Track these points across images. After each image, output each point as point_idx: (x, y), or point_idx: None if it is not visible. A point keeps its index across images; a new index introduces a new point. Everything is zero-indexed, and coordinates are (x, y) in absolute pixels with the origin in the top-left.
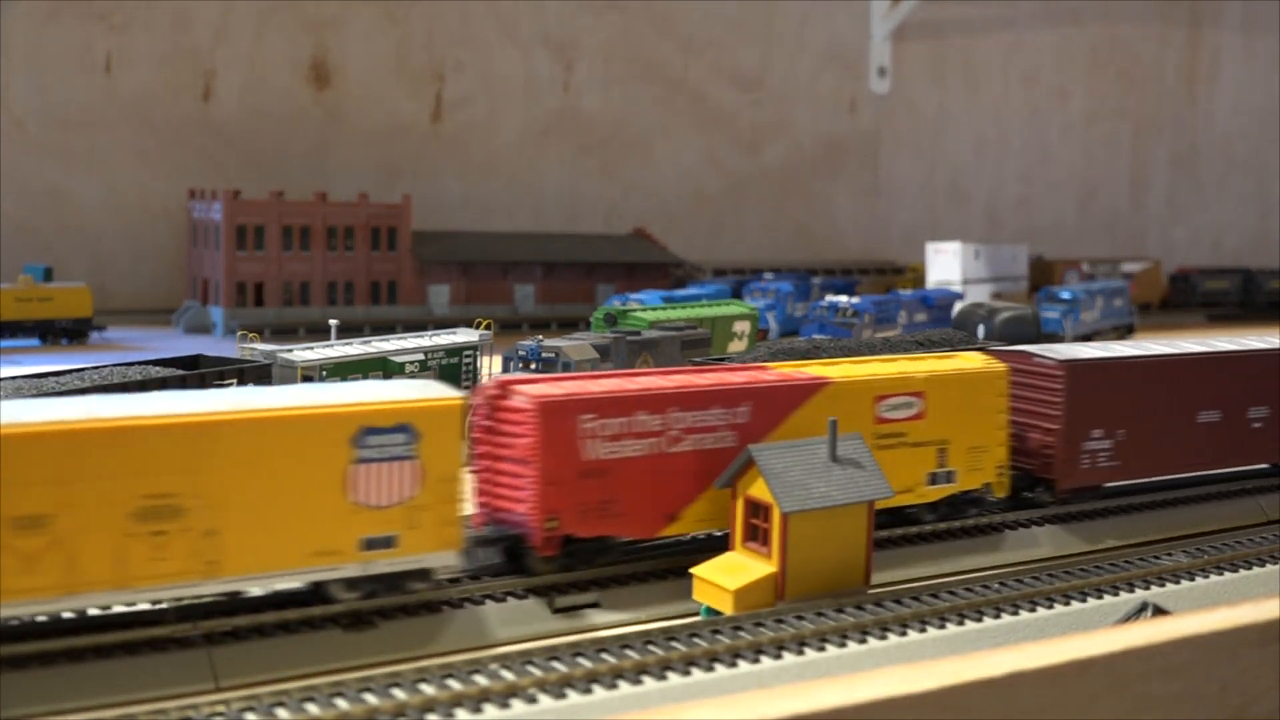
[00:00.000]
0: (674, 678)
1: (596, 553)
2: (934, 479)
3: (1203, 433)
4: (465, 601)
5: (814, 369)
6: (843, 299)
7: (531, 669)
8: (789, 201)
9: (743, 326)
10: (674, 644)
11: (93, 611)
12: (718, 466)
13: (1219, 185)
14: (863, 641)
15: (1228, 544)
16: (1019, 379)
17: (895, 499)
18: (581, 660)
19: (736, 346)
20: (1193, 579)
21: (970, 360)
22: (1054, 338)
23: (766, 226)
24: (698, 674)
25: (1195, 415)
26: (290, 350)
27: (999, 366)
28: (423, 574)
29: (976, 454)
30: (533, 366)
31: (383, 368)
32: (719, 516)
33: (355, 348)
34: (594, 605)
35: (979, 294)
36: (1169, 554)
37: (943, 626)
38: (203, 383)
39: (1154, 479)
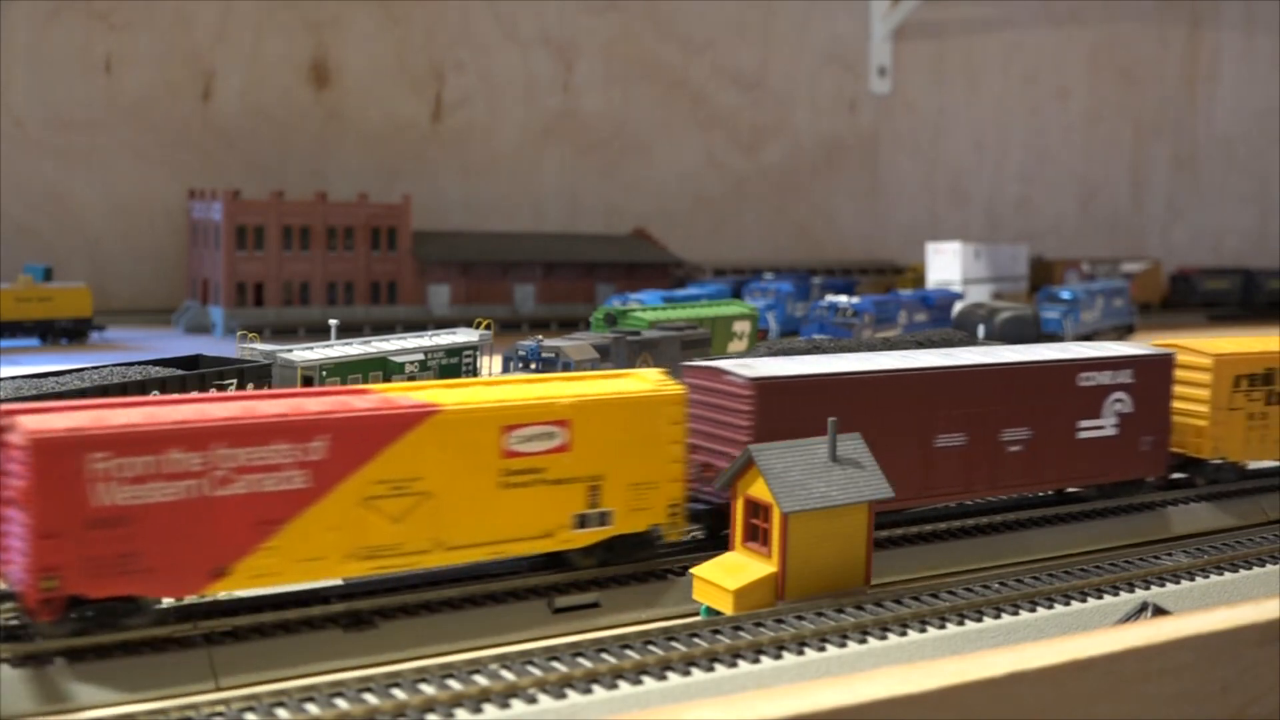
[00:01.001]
0: (674, 678)
1: (123, 614)
2: (583, 521)
3: (942, 459)
4: (465, 601)
5: (427, 393)
6: (843, 299)
7: (531, 669)
8: (789, 201)
9: (743, 326)
10: (674, 644)
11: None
12: (283, 512)
13: (1219, 185)
14: (863, 641)
15: (1228, 544)
16: (708, 399)
17: (532, 544)
18: (581, 660)
19: (736, 346)
20: (1193, 579)
21: (639, 381)
22: (1054, 338)
23: (766, 226)
24: (698, 674)
25: (932, 439)
26: (290, 350)
27: (672, 390)
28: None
29: (642, 491)
30: (533, 366)
31: (383, 368)
32: (289, 569)
33: (355, 348)
34: (594, 605)
35: (979, 294)
36: (1169, 554)
37: (943, 626)
38: (203, 383)
39: (896, 510)
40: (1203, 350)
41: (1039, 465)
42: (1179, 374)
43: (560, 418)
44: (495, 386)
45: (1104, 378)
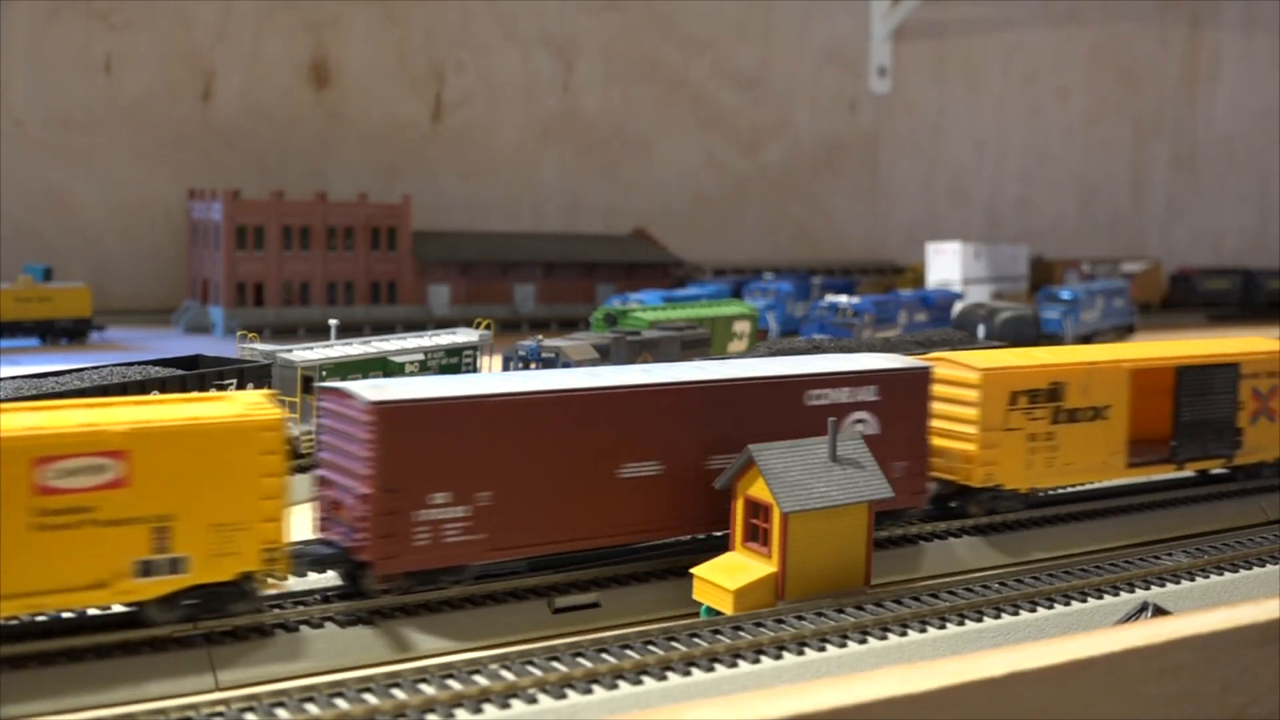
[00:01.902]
0: (674, 678)
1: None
2: (149, 569)
3: (631, 491)
4: (466, 602)
5: None
6: (843, 299)
7: (531, 669)
8: (789, 201)
9: (743, 326)
10: (674, 644)
11: (92, 611)
12: None
13: (1219, 185)
14: (863, 641)
15: (1228, 544)
16: (336, 425)
17: (83, 596)
18: (581, 660)
19: (736, 346)
20: (1193, 579)
21: (228, 404)
22: (1054, 338)
23: (766, 226)
24: (698, 674)
25: (617, 468)
26: (290, 350)
27: (265, 415)
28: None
29: (227, 534)
30: (533, 366)
31: (383, 368)
32: None
33: (355, 348)
34: (594, 605)
35: (979, 294)
36: (1169, 554)
37: (943, 626)
38: (203, 383)
39: (569, 551)
40: (969, 363)
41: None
42: (944, 390)
43: (113, 448)
44: (34, 412)
45: (840, 395)
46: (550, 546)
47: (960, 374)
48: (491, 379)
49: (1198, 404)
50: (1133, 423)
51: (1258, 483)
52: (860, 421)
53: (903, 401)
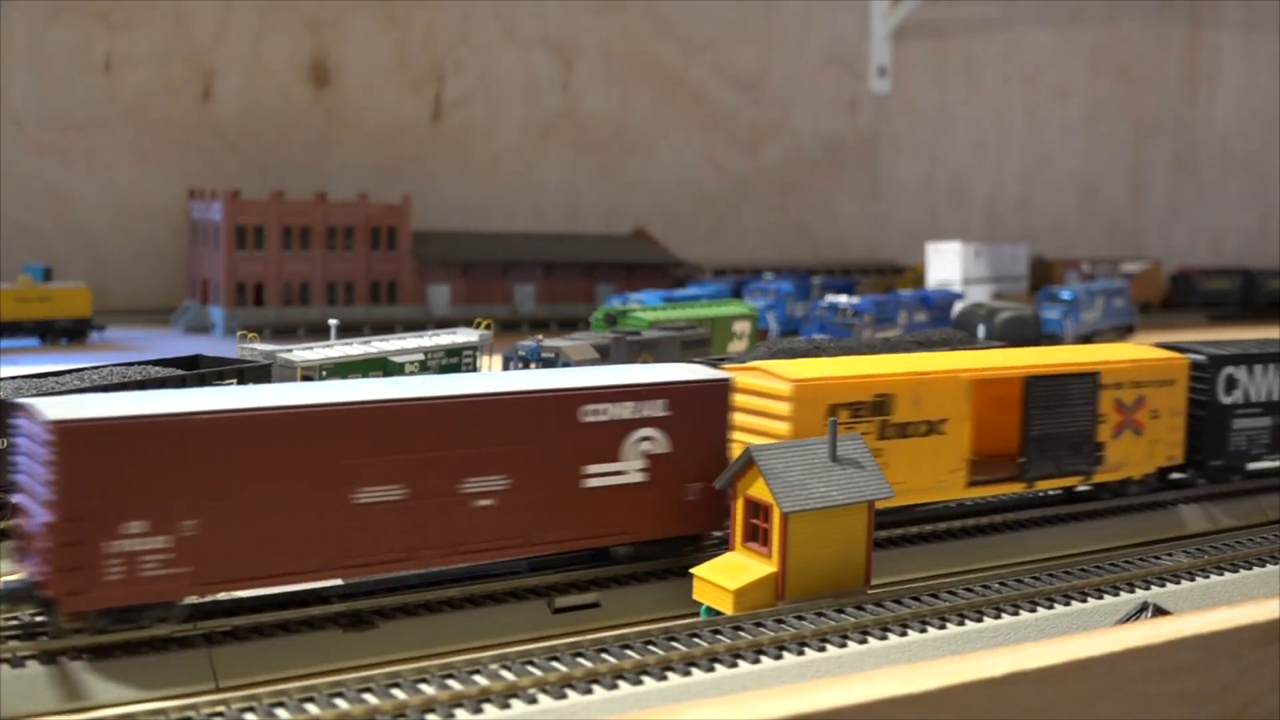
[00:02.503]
0: (674, 678)
1: None
2: None
3: (370, 519)
4: (465, 602)
5: None
6: (843, 299)
7: (531, 669)
8: (789, 201)
9: (743, 326)
10: (674, 644)
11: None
12: None
13: (1219, 185)
14: (863, 641)
15: (1228, 544)
16: (26, 445)
17: None
18: (581, 660)
19: (736, 346)
20: (1193, 579)
21: None
22: (1054, 338)
23: (766, 226)
24: (698, 674)
25: (352, 493)
26: (290, 350)
27: None
28: None
29: None
30: (532, 366)
31: (383, 368)
32: None
33: (355, 348)
34: (594, 605)
35: (979, 294)
36: (1169, 554)
37: (943, 626)
38: (202, 383)
39: (283, 589)
40: (781, 374)
41: (523, 522)
42: (754, 403)
43: None
44: None
45: (622, 410)
46: (272, 581)
47: (770, 385)
48: (219, 394)
49: (1049, 417)
50: (978, 437)
51: (1257, 483)
52: (646, 440)
53: (698, 417)
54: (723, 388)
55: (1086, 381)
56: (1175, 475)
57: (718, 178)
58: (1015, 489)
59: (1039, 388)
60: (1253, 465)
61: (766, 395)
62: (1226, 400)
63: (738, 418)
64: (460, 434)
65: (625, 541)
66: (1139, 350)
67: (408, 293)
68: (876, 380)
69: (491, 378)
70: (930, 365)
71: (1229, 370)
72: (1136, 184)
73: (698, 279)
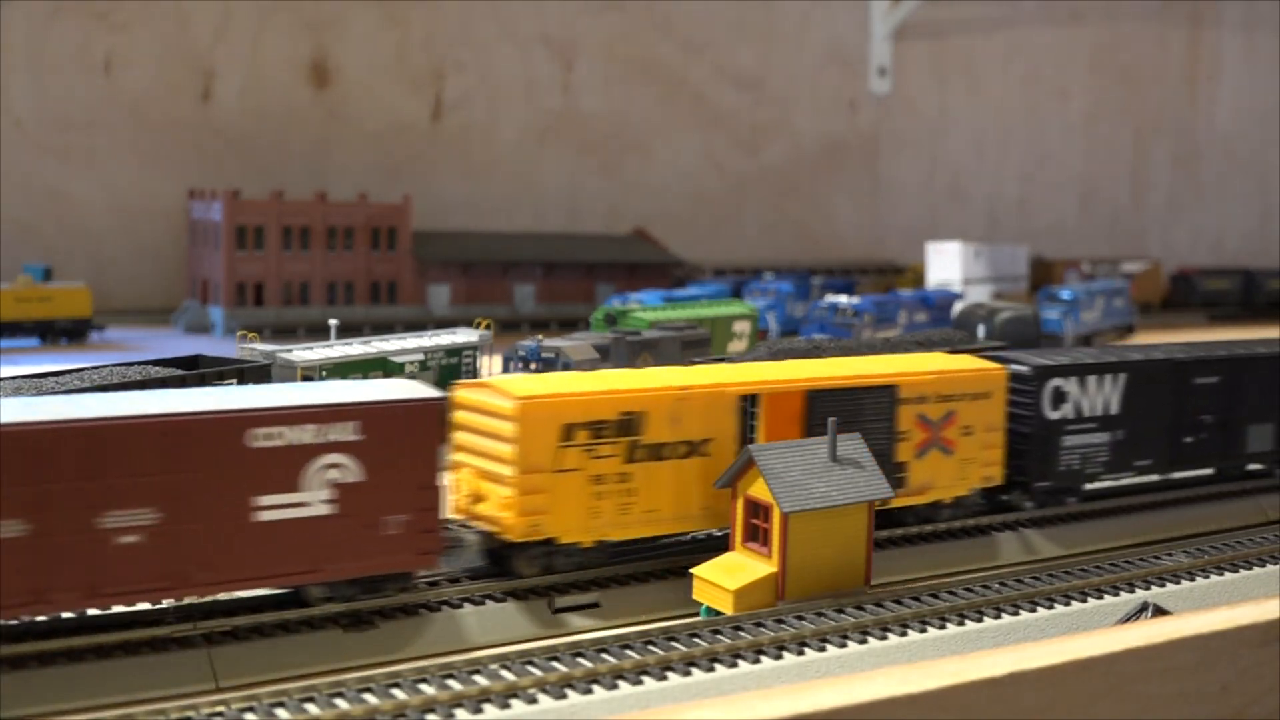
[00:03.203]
0: (674, 678)
1: None
2: None
3: None
4: (465, 602)
5: None
6: (843, 299)
7: (531, 669)
8: (789, 201)
9: (743, 326)
10: (674, 644)
11: (92, 611)
12: None
13: (1219, 185)
14: (863, 641)
15: (1228, 544)
16: None
17: None
18: (581, 660)
19: (736, 346)
20: (1193, 579)
21: None
22: (1054, 338)
23: (766, 226)
24: (698, 674)
25: None
26: (290, 350)
27: None
28: None
29: None
30: (533, 367)
31: (383, 368)
32: None
33: (355, 348)
34: (594, 605)
35: (979, 294)
36: (1169, 554)
37: (943, 626)
38: (202, 383)
39: None
40: (506, 391)
41: (179, 561)
42: (479, 423)
43: None
44: None
45: (302, 435)
46: None
47: (495, 403)
48: None
49: None
50: None
51: (1257, 483)
52: (333, 467)
53: (399, 441)
54: (430, 409)
55: (881, 396)
56: (1005, 498)
57: (718, 178)
58: None
59: (822, 403)
60: (1091, 486)
61: (491, 414)
62: (1053, 415)
63: (461, 439)
64: (98, 462)
65: (314, 581)
66: (949, 360)
67: (408, 293)
68: (622, 397)
69: (157, 398)
70: (693, 379)
71: (1055, 382)
72: (1136, 184)
73: (698, 279)
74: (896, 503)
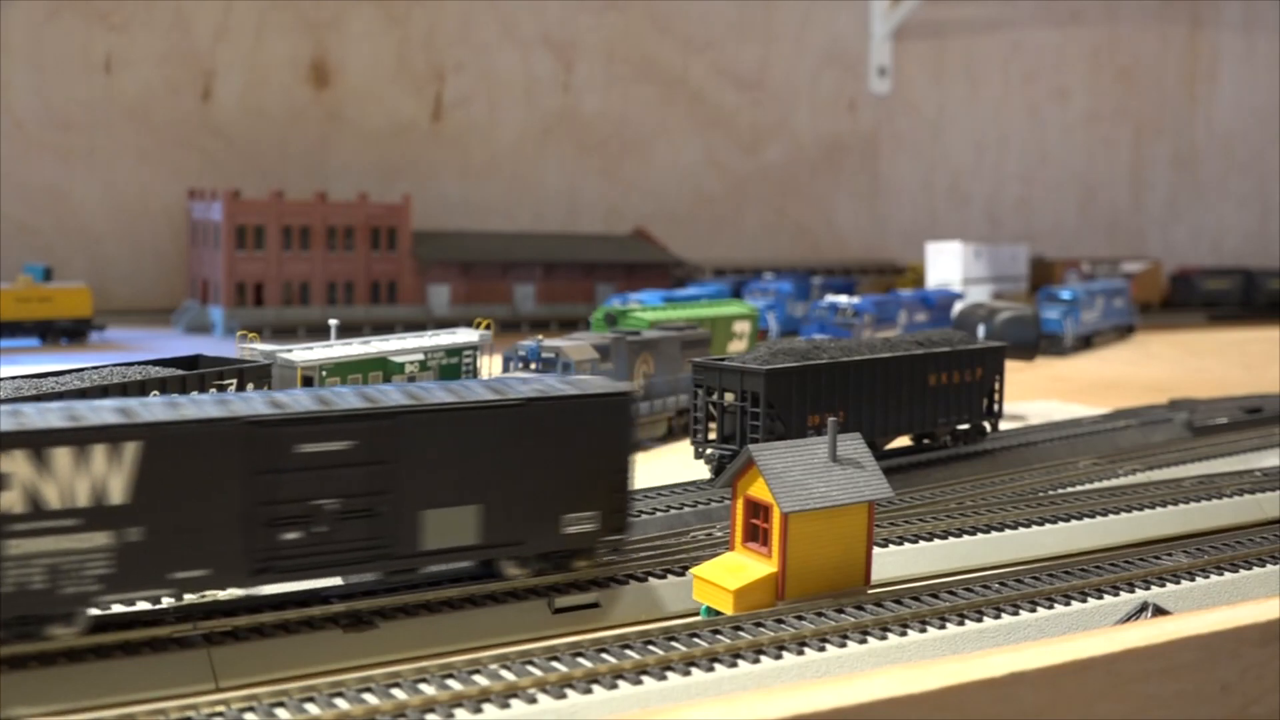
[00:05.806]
0: (674, 678)
1: None
2: None
3: None
4: (465, 602)
5: None
6: (843, 299)
7: (531, 669)
8: (789, 201)
9: (743, 326)
10: (674, 644)
11: (91, 611)
12: None
13: (1219, 185)
14: (863, 641)
15: (1228, 544)
16: None
17: None
18: (581, 660)
19: (736, 346)
20: (1193, 579)
21: None
22: (1054, 338)
23: (766, 226)
24: (698, 674)
25: None
26: (290, 350)
27: None
28: None
29: None
30: (533, 367)
31: (383, 368)
32: None
33: (355, 348)
34: (594, 605)
35: (979, 294)
36: (1169, 554)
37: (943, 626)
38: (203, 383)
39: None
40: None
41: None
42: None
43: None
44: None
45: None
46: None
47: None
48: None
49: None
50: None
51: (1258, 483)
52: None
53: None
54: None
55: None
56: None
57: (718, 178)
58: None
59: None
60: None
61: None
62: None
63: None
64: None
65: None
66: None
67: (408, 293)
68: None
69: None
70: None
71: None
72: (1136, 184)
73: (698, 279)
74: None
